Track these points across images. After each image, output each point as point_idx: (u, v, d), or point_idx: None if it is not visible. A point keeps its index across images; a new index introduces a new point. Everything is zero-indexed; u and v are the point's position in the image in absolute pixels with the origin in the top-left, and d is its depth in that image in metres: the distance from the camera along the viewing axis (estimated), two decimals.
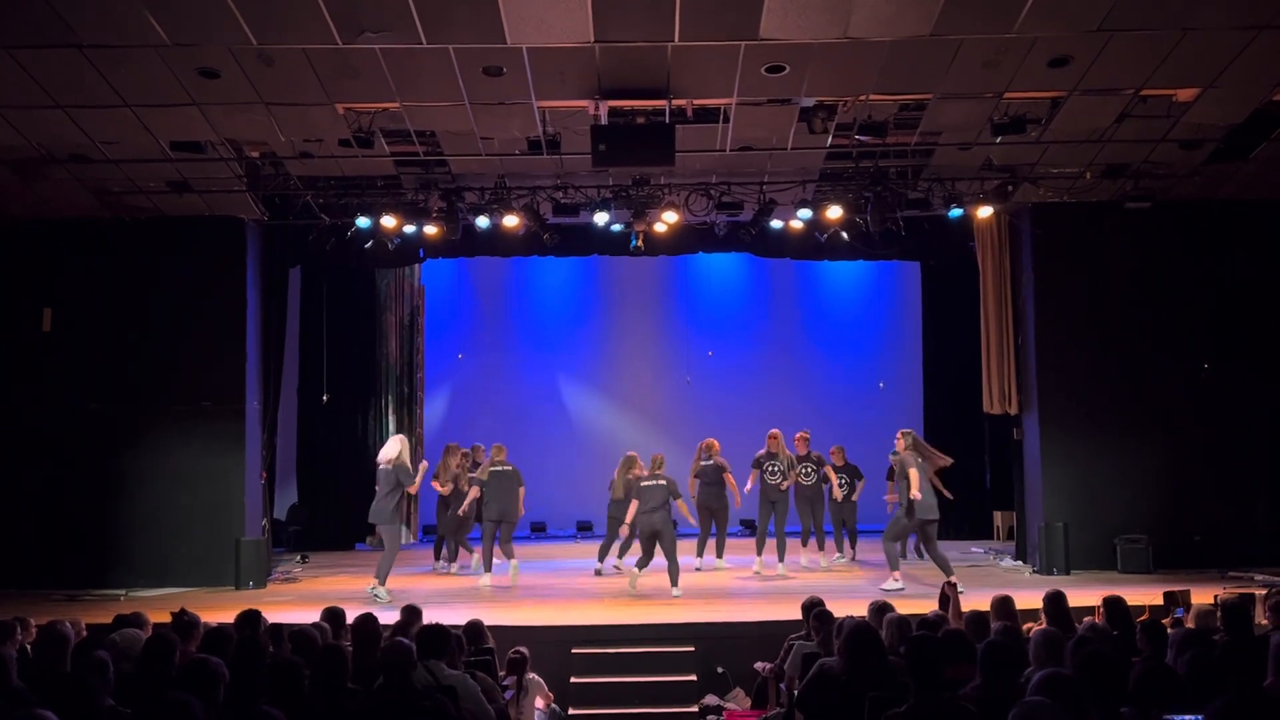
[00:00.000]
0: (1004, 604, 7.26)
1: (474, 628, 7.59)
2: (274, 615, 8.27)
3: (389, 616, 7.36)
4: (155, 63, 9.24)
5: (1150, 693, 4.31)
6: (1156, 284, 12.93)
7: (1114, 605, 7.12)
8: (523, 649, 7.88)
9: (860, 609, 7.19)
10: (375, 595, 11.07)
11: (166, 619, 6.94)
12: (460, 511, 13.13)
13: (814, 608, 7.28)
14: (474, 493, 12.74)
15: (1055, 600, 7.40)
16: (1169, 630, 6.28)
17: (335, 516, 15.42)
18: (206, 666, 4.71)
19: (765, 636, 9.03)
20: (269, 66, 9.37)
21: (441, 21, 8.72)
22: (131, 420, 12.65)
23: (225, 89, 9.74)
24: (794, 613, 8.67)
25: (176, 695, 4.07)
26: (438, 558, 13.91)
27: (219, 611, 8.90)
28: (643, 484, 11.59)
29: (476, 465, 13.31)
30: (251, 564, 12.39)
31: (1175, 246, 12.94)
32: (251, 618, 6.79)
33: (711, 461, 13.12)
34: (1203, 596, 8.76)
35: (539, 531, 17.13)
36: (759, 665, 8.19)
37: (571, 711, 8.78)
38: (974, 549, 14.82)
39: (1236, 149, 11.43)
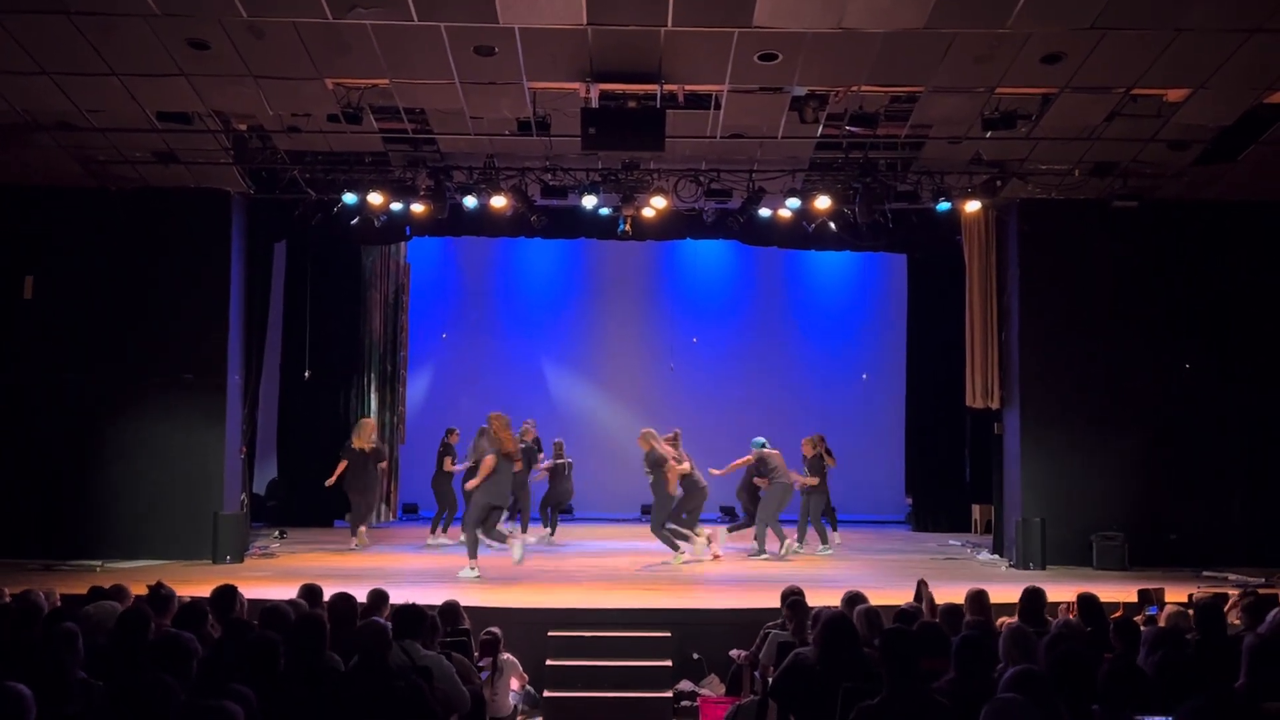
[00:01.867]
0: (978, 598, 7.30)
1: (450, 608, 7.59)
2: (251, 591, 8.27)
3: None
4: (144, 32, 9.16)
5: (1118, 692, 4.34)
6: (1141, 283, 12.97)
7: (1087, 602, 7.17)
8: (495, 630, 7.89)
9: (838, 599, 7.21)
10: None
11: (143, 591, 6.92)
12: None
13: (790, 596, 7.31)
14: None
15: (1033, 596, 7.44)
16: (1142, 628, 6.32)
17: (314, 493, 15.32)
18: (179, 641, 4.70)
19: (742, 624, 9.05)
20: (259, 39, 9.30)
21: None
22: (112, 391, 12.58)
23: (214, 60, 9.66)
24: (770, 601, 8.71)
25: (149, 670, 4.06)
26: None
27: (195, 585, 8.88)
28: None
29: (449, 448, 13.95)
30: (229, 538, 12.36)
31: (1161, 246, 12.98)
32: (227, 593, 6.77)
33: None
34: (1177, 595, 8.82)
35: (519, 512, 17.09)
36: (734, 653, 8.21)
37: (546, 694, 8.79)
38: (951, 541, 14.89)
39: (1225, 151, 11.47)
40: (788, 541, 13.44)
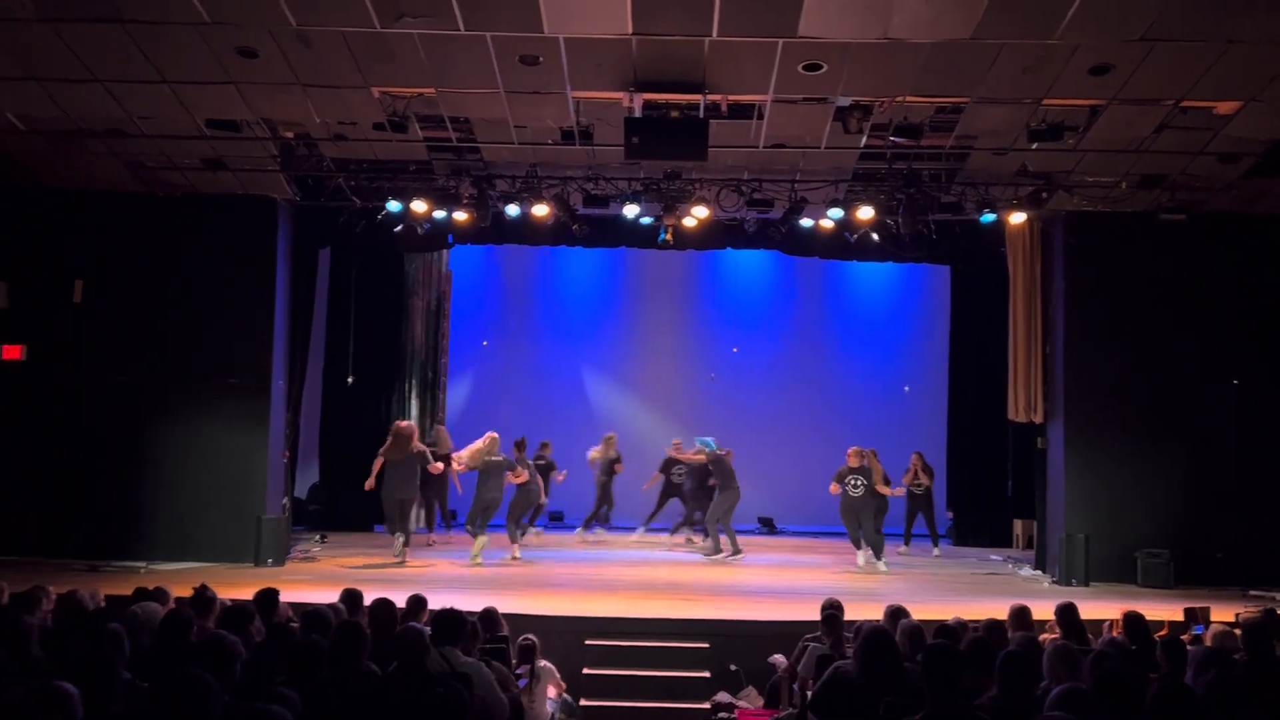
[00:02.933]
0: (1021, 614, 7.22)
1: (489, 615, 7.61)
2: (292, 594, 8.34)
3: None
4: (194, 40, 9.28)
5: (1167, 712, 4.27)
6: (1188, 297, 12.81)
7: (1133, 621, 7.07)
8: (532, 637, 7.89)
9: (879, 613, 7.16)
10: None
11: (186, 593, 6.99)
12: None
13: (828, 609, 7.27)
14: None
15: (1066, 612, 7.37)
16: (1188, 647, 6.23)
17: (355, 497, 15.40)
18: (223, 643, 4.73)
19: (779, 635, 8.99)
20: (307, 48, 9.40)
21: (480, 8, 8.72)
22: (158, 394, 12.73)
23: (263, 69, 9.78)
24: (808, 613, 8.65)
25: (192, 671, 4.09)
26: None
27: (238, 588, 8.97)
28: None
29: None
30: (271, 542, 12.46)
31: (1209, 260, 12.82)
32: (269, 596, 6.82)
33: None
34: (1224, 614, 8.69)
35: (557, 521, 17.13)
36: (776, 657, 8.18)
37: (584, 702, 8.78)
38: (993, 556, 14.74)
39: (1276, 164, 11.30)
40: (737, 553, 13.60)
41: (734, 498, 13.76)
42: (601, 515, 15.77)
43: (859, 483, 13.44)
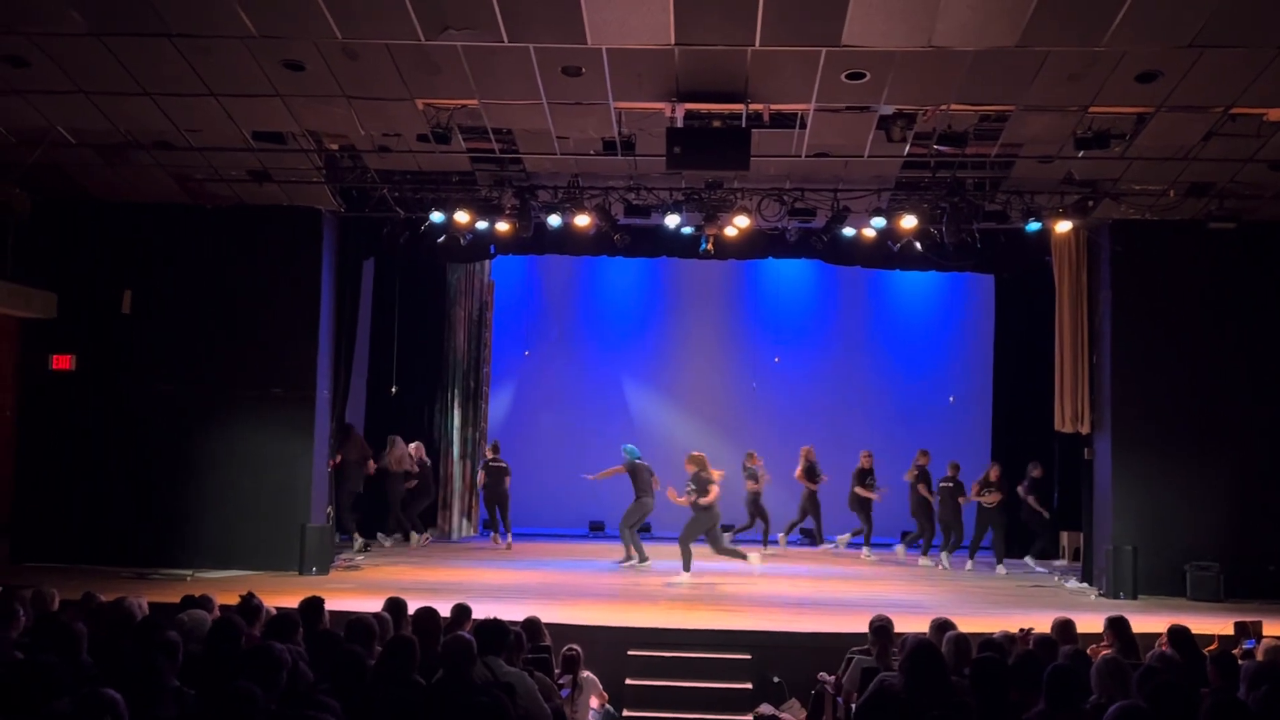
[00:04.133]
0: (1065, 627, 7.15)
1: (532, 625, 7.62)
2: (336, 603, 8.38)
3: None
4: (241, 53, 9.39)
5: None
6: (1237, 307, 12.62)
7: (1179, 635, 6.97)
8: (576, 647, 7.89)
9: (924, 625, 7.10)
10: None
11: (231, 601, 7.05)
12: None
13: (877, 622, 7.21)
14: None
15: (1118, 625, 7.27)
16: (1240, 662, 6.13)
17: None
18: (270, 652, 4.77)
19: (822, 648, 8.97)
20: (352, 60, 9.48)
21: (524, 20, 8.76)
22: (204, 403, 12.87)
23: (308, 81, 9.87)
24: (851, 625, 8.63)
25: (240, 682, 4.13)
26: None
27: (283, 596, 9.02)
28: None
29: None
30: (315, 550, 12.55)
31: (1258, 269, 12.62)
32: (315, 605, 6.86)
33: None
34: (1275, 628, 8.54)
35: (598, 531, 17.14)
36: (822, 675, 8.12)
37: (626, 713, 8.77)
38: (1039, 569, 14.57)
39: None
40: (635, 560, 13.79)
41: (647, 507, 13.96)
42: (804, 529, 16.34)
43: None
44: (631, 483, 13.99)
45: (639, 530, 14.26)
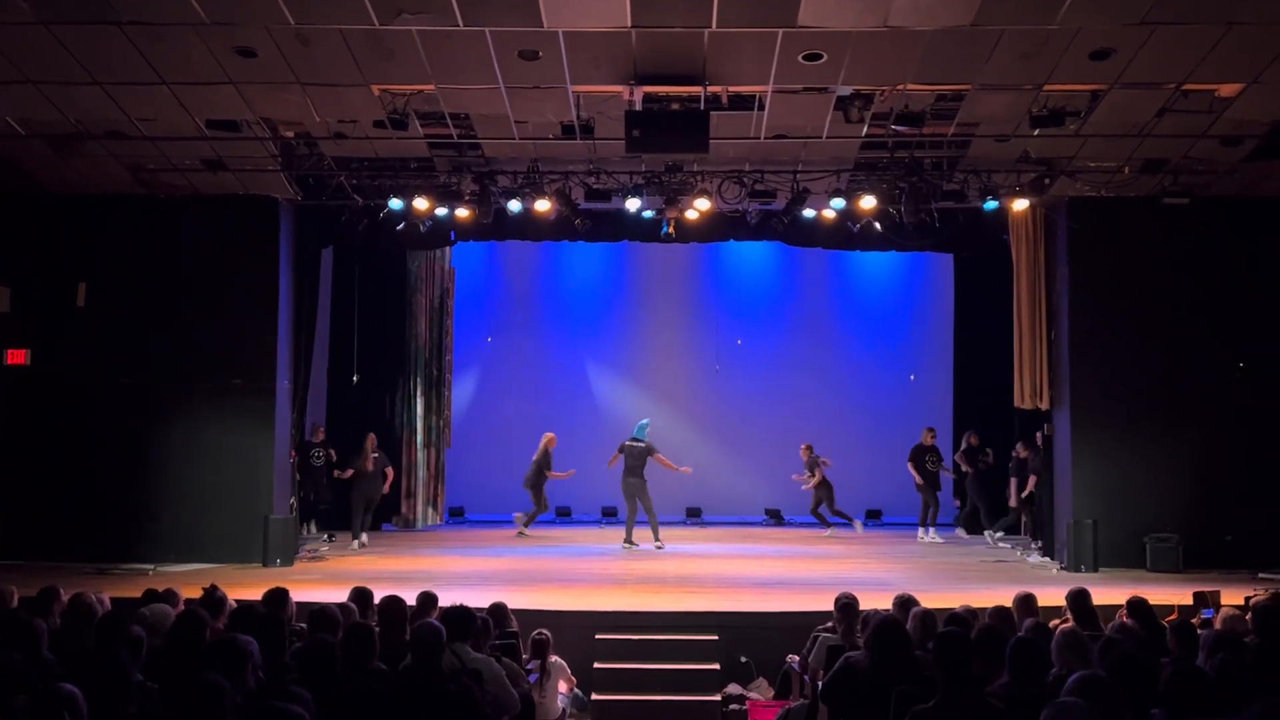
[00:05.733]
0: (1026, 601, 7.22)
1: (498, 610, 7.62)
2: (301, 594, 8.35)
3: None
4: (193, 40, 9.27)
5: (1181, 695, 4.27)
6: (1193, 281, 12.78)
7: (1137, 606, 7.07)
8: (545, 631, 7.90)
9: (889, 602, 7.15)
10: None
11: (195, 594, 7.00)
12: None
13: (842, 600, 7.26)
14: None
15: (1079, 598, 7.36)
16: (1199, 631, 6.22)
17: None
18: (235, 644, 4.74)
19: (789, 627, 9.01)
20: (306, 46, 9.39)
21: (479, 4, 8.70)
22: (163, 396, 12.74)
23: (262, 68, 9.76)
24: (817, 604, 8.68)
25: (206, 674, 4.09)
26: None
27: (247, 588, 8.98)
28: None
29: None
30: (279, 542, 12.47)
31: (1213, 244, 12.79)
32: (279, 596, 6.82)
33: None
34: (1234, 598, 8.67)
35: (564, 516, 17.14)
36: (790, 658, 8.17)
37: (594, 697, 8.79)
38: (1001, 544, 14.72)
39: (1278, 146, 11.27)
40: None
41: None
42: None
43: (934, 460, 15.15)
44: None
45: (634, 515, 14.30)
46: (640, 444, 14.17)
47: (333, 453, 14.86)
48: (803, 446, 15.86)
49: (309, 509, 14.93)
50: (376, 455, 14.48)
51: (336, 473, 14.61)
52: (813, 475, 15.69)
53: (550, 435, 15.49)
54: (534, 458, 15.38)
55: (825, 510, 15.76)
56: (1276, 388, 12.64)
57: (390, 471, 14.76)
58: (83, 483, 12.64)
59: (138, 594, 7.39)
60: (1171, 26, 8.93)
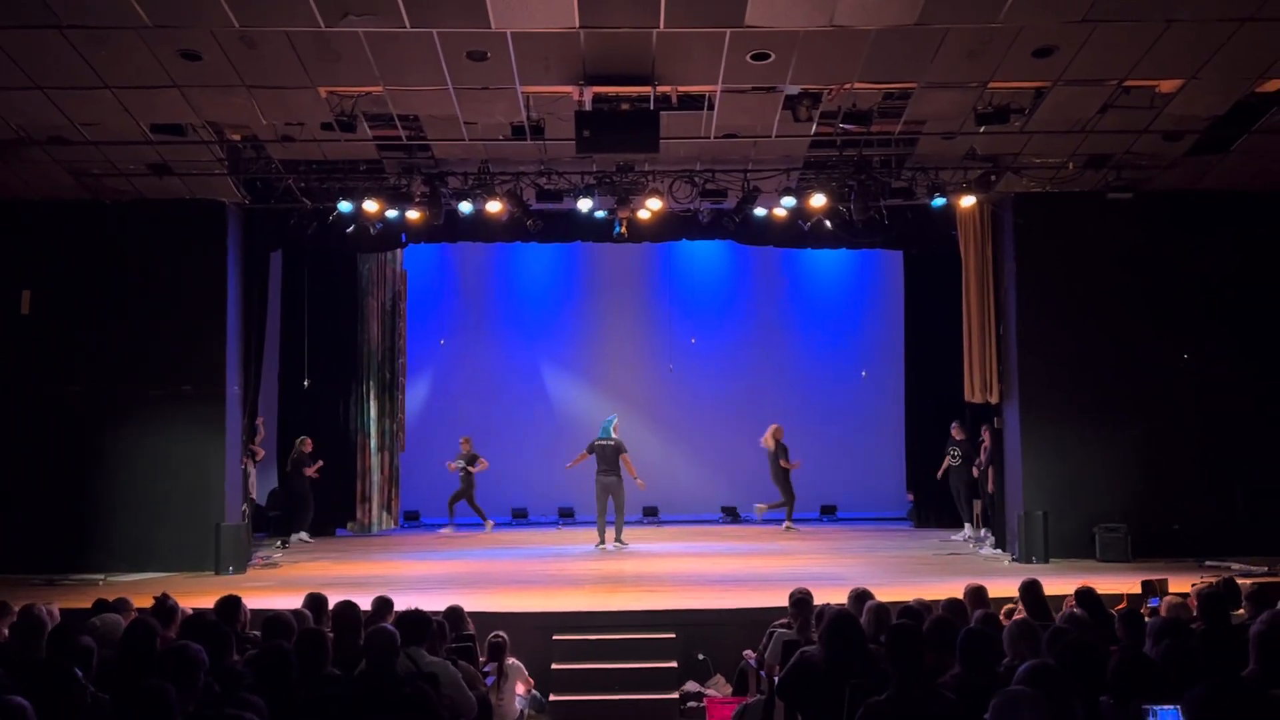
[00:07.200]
0: (978, 593, 7.31)
1: (454, 614, 7.58)
2: (254, 601, 8.26)
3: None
4: (136, 44, 9.16)
5: (1129, 682, 4.34)
6: (1138, 274, 12.98)
7: (1086, 595, 7.17)
8: (502, 634, 7.88)
9: (844, 596, 7.21)
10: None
11: (147, 604, 6.92)
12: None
13: (796, 595, 7.31)
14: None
15: (1031, 589, 7.46)
16: (1146, 619, 6.32)
17: (316, 502, 15.34)
18: (186, 653, 4.69)
19: (746, 624, 9.06)
20: (251, 49, 9.30)
21: (426, 5, 8.67)
22: (111, 403, 12.57)
23: (206, 71, 9.67)
24: (773, 600, 8.72)
25: (153, 682, 4.05)
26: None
27: (199, 597, 8.88)
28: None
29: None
30: (231, 549, 12.33)
31: (1156, 237, 12.99)
32: (231, 604, 6.76)
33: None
34: (1181, 585, 8.82)
35: (520, 518, 17.11)
36: (747, 654, 8.21)
37: (552, 698, 8.79)
38: (954, 537, 14.87)
39: (1218, 141, 11.49)
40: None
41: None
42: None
43: (957, 453, 14.76)
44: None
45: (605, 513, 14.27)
46: (610, 443, 14.13)
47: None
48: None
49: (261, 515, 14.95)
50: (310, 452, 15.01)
51: (308, 470, 14.97)
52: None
53: (777, 426, 15.80)
54: (769, 453, 15.71)
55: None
56: (1220, 379, 12.88)
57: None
58: (31, 492, 12.44)
59: (88, 604, 7.30)
60: (1112, 24, 9.07)
